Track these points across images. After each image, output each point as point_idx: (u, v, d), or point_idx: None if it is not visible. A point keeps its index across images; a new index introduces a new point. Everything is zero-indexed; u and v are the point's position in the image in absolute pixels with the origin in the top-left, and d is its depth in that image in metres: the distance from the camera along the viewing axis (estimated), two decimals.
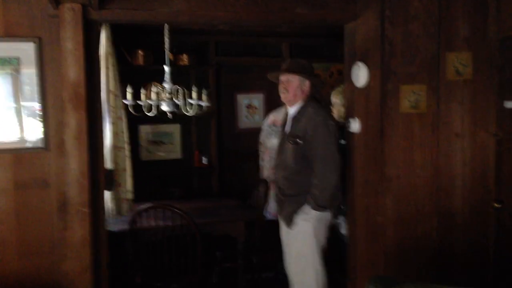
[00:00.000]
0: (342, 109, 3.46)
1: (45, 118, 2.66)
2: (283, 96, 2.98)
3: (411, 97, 2.88)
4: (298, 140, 2.87)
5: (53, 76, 2.64)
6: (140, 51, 4.75)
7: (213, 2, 2.74)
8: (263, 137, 4.34)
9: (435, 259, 3.04)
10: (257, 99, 5.43)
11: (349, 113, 3.11)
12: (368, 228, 3.01)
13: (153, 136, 5.06)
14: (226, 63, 5.26)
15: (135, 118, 3.93)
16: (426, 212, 2.99)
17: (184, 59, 4.95)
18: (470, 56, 2.96)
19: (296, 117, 2.95)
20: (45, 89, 2.65)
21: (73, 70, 2.55)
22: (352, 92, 3.07)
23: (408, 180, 2.95)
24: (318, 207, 2.82)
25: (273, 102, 5.48)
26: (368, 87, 2.93)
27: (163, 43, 3.69)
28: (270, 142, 4.18)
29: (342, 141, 3.25)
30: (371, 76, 2.89)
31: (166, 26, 3.61)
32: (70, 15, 2.51)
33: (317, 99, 3.02)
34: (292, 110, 2.99)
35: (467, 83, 2.99)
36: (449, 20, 2.93)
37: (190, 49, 5.09)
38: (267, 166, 4.15)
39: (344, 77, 3.19)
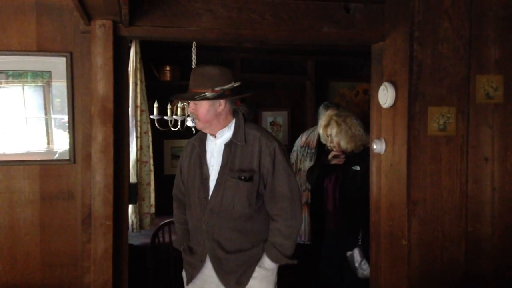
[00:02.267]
0: (349, 144, 3.37)
1: (73, 131, 2.70)
2: (196, 124, 2.32)
3: (439, 120, 2.83)
4: (250, 175, 2.21)
5: (82, 90, 2.69)
6: (167, 67, 4.82)
7: (240, 20, 2.76)
8: (294, 159, 4.26)
9: (462, 286, 2.94)
10: (281, 116, 5.44)
11: (375, 134, 3.07)
12: (392, 252, 2.94)
13: (177, 150, 5.10)
14: (251, 80, 5.29)
15: (161, 132, 3.99)
16: (453, 237, 2.91)
17: None
18: (501, 79, 2.89)
19: (232, 143, 2.28)
20: (73, 103, 2.70)
21: (102, 85, 2.59)
22: (378, 113, 3.04)
23: (435, 204, 2.87)
24: (284, 258, 2.25)
25: (298, 120, 5.47)
26: (394, 108, 2.89)
27: (190, 59, 3.74)
28: (304, 165, 4.12)
29: (357, 167, 3.24)
30: (398, 97, 2.85)
31: (194, 43, 3.67)
32: (101, 31, 2.56)
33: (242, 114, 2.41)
34: (223, 135, 2.31)
35: (498, 107, 2.91)
36: (479, 42, 2.88)
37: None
38: None
39: (370, 98, 3.16)
